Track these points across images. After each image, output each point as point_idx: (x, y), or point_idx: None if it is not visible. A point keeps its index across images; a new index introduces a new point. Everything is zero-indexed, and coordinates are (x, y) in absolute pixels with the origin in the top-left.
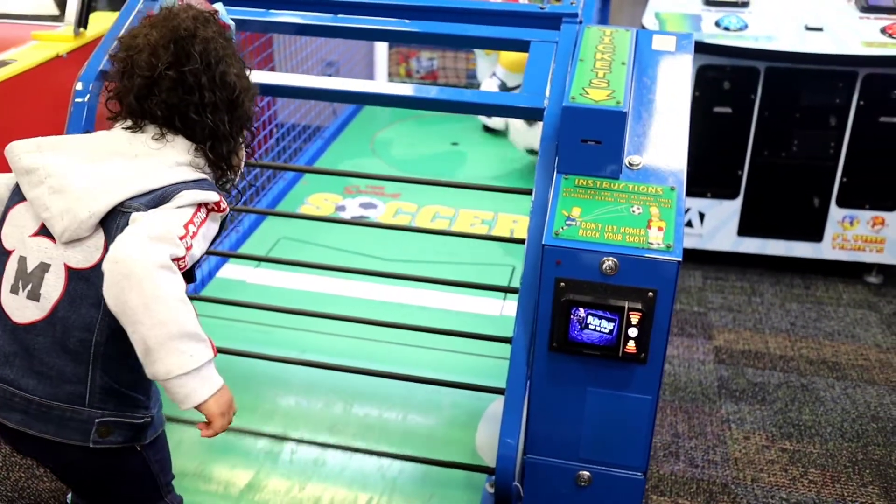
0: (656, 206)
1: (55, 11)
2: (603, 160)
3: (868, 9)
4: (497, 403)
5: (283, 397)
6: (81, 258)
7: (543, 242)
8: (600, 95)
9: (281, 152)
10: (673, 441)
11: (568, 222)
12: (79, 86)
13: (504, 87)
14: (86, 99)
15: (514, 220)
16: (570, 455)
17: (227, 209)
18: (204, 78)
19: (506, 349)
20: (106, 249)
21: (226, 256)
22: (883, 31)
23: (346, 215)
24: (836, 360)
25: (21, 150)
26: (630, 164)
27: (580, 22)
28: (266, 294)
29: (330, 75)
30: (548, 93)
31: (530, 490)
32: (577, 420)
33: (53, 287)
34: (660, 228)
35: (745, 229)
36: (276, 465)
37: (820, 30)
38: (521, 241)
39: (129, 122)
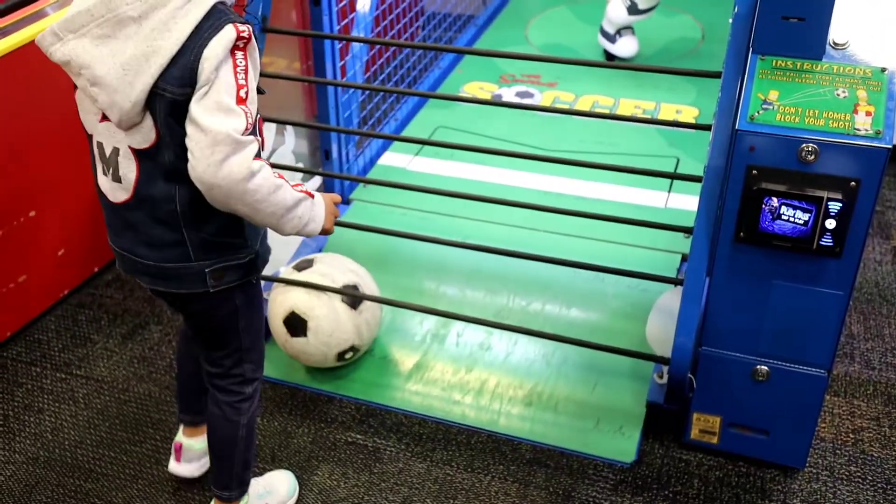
0: (864, 88)
1: None
2: (805, 39)
3: None
4: (669, 295)
5: (446, 285)
6: (141, 139)
7: (737, 127)
8: None
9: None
10: (847, 342)
11: (764, 106)
12: None
13: (634, 10)
14: None
15: (678, 109)
16: (749, 349)
17: (251, 33)
18: None
19: (672, 242)
20: (157, 129)
21: (390, 139)
22: None
23: None
24: None
25: (47, 44)
26: (835, 43)
27: None
28: (427, 180)
29: None
30: None
31: (703, 382)
32: (760, 313)
33: (128, 169)
34: (868, 113)
35: None
36: (443, 347)
37: None
38: (704, 127)
39: None
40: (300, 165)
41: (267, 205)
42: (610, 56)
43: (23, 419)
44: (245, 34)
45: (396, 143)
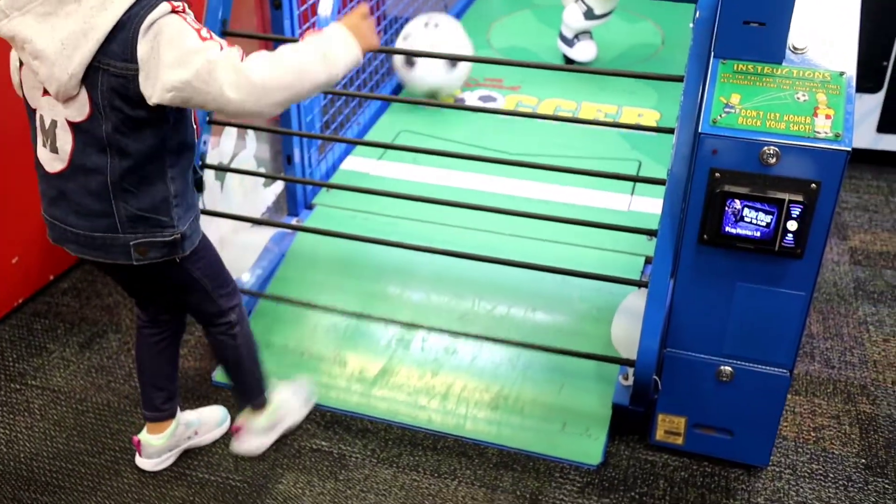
0: (823, 92)
1: None
2: (766, 44)
3: None
4: (633, 297)
5: (411, 289)
6: (76, 113)
7: (700, 131)
8: None
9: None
10: (807, 341)
11: (726, 109)
12: None
13: (590, 15)
14: None
15: (640, 113)
16: (713, 350)
17: (185, 7)
18: None
19: (636, 244)
20: (92, 103)
21: (352, 144)
22: None
23: None
24: None
25: None
26: (794, 48)
27: None
28: (390, 185)
29: None
30: None
31: (668, 384)
32: (723, 315)
33: (65, 141)
34: (827, 116)
35: (885, 126)
36: (408, 352)
37: None
38: (666, 131)
39: None
40: (262, 170)
41: (291, 76)
42: (569, 60)
43: None
44: (179, 7)
45: (359, 148)
